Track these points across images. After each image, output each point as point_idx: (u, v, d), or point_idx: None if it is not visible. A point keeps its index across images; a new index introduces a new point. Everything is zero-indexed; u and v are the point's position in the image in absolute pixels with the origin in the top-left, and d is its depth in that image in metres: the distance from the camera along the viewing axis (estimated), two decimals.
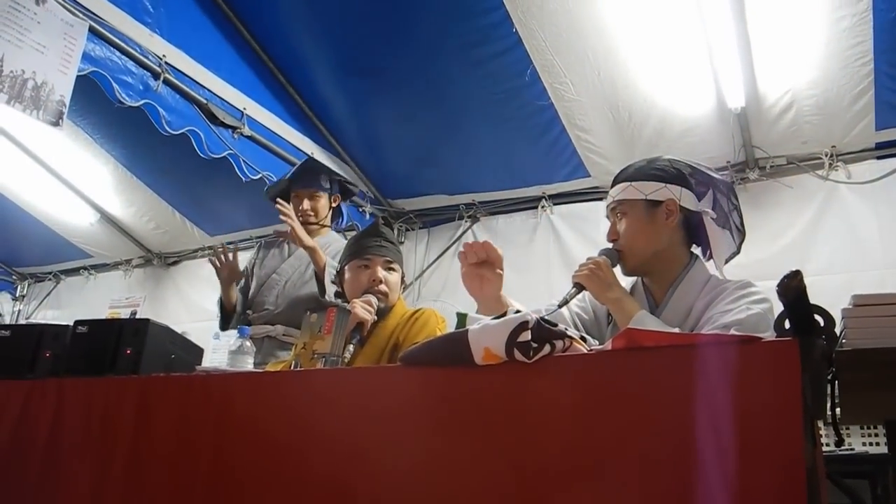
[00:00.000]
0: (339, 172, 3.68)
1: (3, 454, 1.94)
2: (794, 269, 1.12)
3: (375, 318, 2.37)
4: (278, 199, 3.21)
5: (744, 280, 1.91)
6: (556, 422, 1.24)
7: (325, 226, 3.50)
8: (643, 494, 1.14)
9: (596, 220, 4.20)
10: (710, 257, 2.09)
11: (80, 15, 3.26)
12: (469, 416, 1.33)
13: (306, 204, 3.43)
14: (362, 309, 2.30)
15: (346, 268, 2.58)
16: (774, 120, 3.91)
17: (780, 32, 3.46)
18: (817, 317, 1.14)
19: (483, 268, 1.95)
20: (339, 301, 2.70)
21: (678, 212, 2.01)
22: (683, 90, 3.89)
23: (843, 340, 1.49)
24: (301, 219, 3.38)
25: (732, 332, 1.63)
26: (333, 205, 3.55)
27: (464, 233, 5.16)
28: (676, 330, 1.72)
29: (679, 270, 2.02)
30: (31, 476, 1.87)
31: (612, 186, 2.14)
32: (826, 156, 3.98)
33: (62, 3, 3.18)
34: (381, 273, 2.50)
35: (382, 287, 2.47)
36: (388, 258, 2.54)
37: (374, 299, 2.40)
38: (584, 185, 4.65)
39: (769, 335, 1.64)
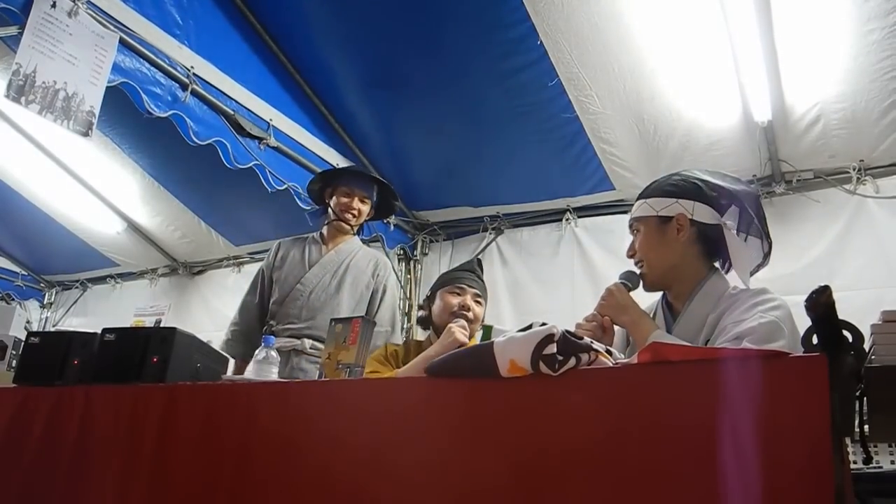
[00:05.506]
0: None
1: (33, 459, 1.96)
2: (821, 284, 1.12)
3: (468, 341, 2.48)
4: None
5: (759, 288, 1.91)
6: (582, 434, 1.24)
7: (354, 233, 3.52)
8: None
9: (621, 233, 4.16)
10: (729, 269, 2.08)
11: (111, 27, 3.31)
12: (494, 427, 1.33)
13: (356, 203, 3.41)
14: (460, 332, 2.46)
15: (437, 293, 2.74)
16: (802, 133, 3.87)
17: (808, 45, 3.43)
18: (846, 332, 1.13)
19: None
20: (420, 328, 2.88)
21: (689, 226, 2.01)
22: (709, 103, 3.86)
23: (873, 357, 1.47)
24: (345, 216, 3.40)
25: (745, 342, 1.64)
26: (368, 217, 3.56)
27: (488, 245, 5.15)
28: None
29: (696, 283, 2.02)
30: (59, 481, 1.89)
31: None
32: (854, 170, 3.93)
33: (94, 15, 3.23)
34: (471, 302, 2.67)
35: (469, 314, 2.63)
36: (478, 292, 2.73)
37: (467, 324, 2.55)
38: (609, 197, 4.63)
39: (783, 344, 1.64)
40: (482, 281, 2.80)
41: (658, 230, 2.05)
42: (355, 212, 3.41)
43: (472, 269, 2.81)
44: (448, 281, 2.75)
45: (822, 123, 3.78)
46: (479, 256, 5.11)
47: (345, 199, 3.41)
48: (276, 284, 3.39)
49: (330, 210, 3.45)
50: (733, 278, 2.06)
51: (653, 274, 2.07)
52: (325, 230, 3.50)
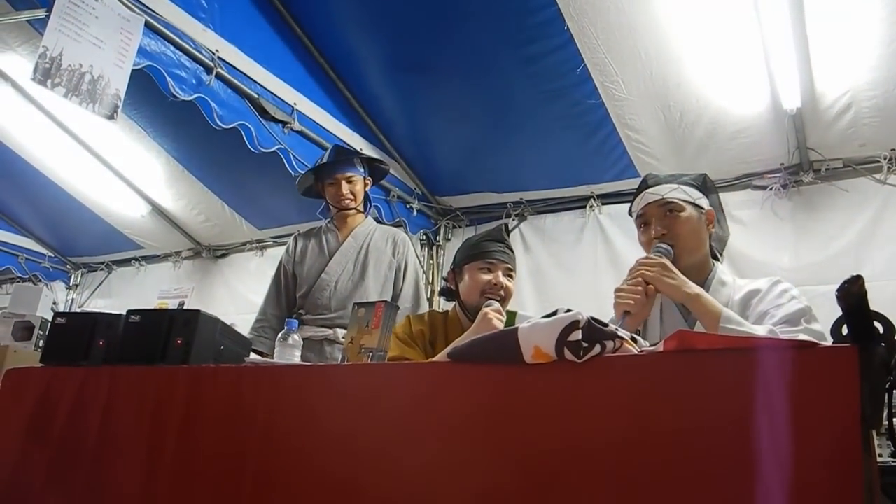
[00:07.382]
0: (369, 153, 3.66)
1: (59, 438, 1.98)
2: (851, 274, 1.09)
3: (502, 325, 2.34)
4: None
5: (773, 277, 1.96)
6: (606, 423, 1.23)
7: (360, 211, 3.53)
8: (694, 501, 1.12)
9: None
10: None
11: (137, 10, 3.31)
12: (517, 414, 1.32)
13: (345, 188, 3.42)
14: (496, 318, 2.28)
15: (464, 268, 2.61)
16: (831, 121, 3.82)
17: (840, 31, 3.37)
18: (877, 323, 1.10)
19: None
20: (443, 298, 2.79)
21: (715, 222, 2.12)
22: (737, 90, 3.81)
23: None
24: (342, 203, 3.42)
25: (802, 322, 1.72)
26: (367, 188, 3.56)
27: (510, 231, 5.12)
28: (762, 330, 1.70)
29: (706, 275, 2.06)
30: (85, 460, 1.90)
31: (644, 190, 2.22)
32: (885, 159, 3.87)
33: None
34: (503, 279, 2.54)
35: (501, 293, 2.52)
36: (509, 265, 2.59)
37: (500, 306, 2.40)
38: (634, 185, 4.50)
39: (820, 326, 1.68)
40: (511, 250, 2.64)
41: (697, 218, 2.07)
42: (349, 196, 3.43)
43: (501, 239, 2.63)
44: (476, 255, 2.59)
45: (854, 111, 3.72)
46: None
47: (332, 189, 3.44)
48: (300, 277, 3.42)
49: (328, 203, 3.50)
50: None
51: (688, 259, 2.03)
52: (335, 219, 3.52)
